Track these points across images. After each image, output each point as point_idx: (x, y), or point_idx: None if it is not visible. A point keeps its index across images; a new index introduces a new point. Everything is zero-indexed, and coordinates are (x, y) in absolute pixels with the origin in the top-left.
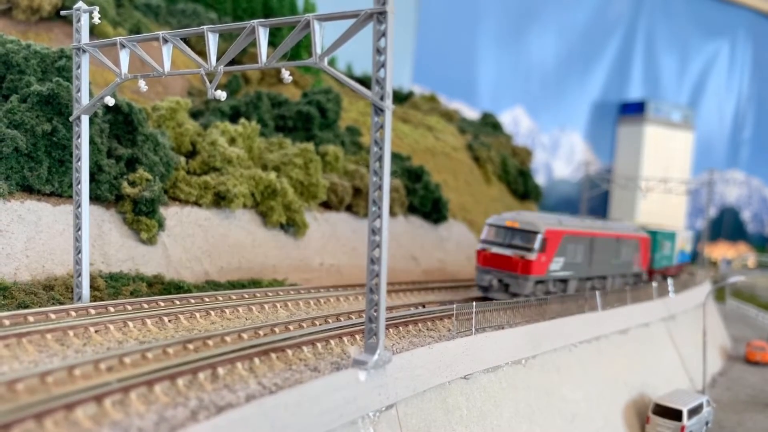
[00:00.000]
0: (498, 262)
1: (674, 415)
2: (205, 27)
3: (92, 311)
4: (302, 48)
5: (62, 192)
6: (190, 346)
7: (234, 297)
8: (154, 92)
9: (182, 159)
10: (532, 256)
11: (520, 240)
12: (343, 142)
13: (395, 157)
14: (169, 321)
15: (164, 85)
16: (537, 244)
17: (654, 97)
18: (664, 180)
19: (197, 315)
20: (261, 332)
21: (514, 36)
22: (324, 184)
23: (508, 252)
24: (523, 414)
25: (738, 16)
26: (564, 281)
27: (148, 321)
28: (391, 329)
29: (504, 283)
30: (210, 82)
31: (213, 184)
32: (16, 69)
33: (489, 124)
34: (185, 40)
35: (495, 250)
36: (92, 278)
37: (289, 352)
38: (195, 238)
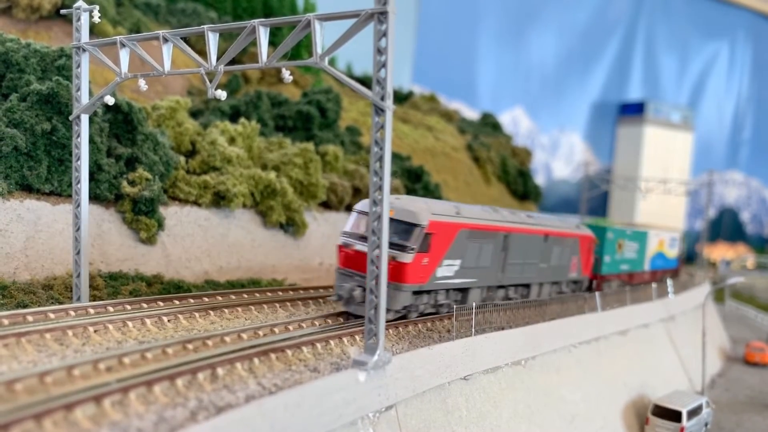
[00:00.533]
0: (363, 263)
1: (673, 416)
2: (205, 26)
3: (91, 311)
4: (302, 48)
5: (61, 191)
6: (190, 346)
7: (233, 297)
8: (154, 91)
9: (182, 158)
10: (407, 258)
11: (394, 235)
12: (343, 142)
13: (395, 157)
14: (169, 321)
15: (164, 84)
16: (415, 242)
17: (654, 97)
18: (664, 181)
19: (197, 315)
20: (260, 332)
21: (514, 36)
22: (324, 184)
23: None
24: (523, 415)
25: (738, 17)
26: (463, 290)
27: (148, 321)
28: (390, 330)
29: None
30: (210, 81)
31: (212, 183)
32: (15, 68)
33: (489, 124)
34: (185, 40)
35: (360, 247)
36: (91, 278)
37: (289, 352)
38: (194, 237)
